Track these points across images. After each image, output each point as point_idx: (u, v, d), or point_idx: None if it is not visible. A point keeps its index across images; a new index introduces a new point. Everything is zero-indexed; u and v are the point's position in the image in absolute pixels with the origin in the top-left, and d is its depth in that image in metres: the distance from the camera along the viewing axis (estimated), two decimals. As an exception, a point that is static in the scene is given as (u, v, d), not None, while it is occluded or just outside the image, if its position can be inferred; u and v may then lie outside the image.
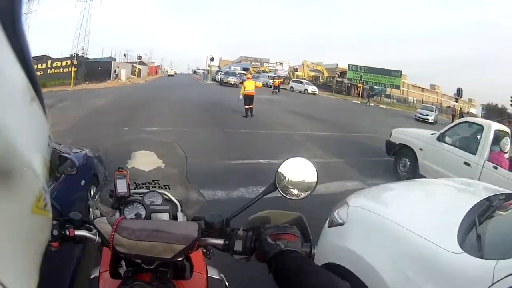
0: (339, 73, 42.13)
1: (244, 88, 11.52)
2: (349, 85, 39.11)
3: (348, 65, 38.51)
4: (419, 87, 50.06)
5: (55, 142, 2.83)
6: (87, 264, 2.24)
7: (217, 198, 4.04)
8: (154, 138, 1.35)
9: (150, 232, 0.80)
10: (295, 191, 0.92)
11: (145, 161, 1.16)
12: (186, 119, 10.10)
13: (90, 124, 8.51)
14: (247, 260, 0.86)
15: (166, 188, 1.17)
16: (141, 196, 1.09)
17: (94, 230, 0.85)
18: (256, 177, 4.80)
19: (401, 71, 37.81)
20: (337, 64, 45.05)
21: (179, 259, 0.91)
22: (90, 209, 3.04)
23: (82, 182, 2.83)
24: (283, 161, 0.92)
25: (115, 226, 0.80)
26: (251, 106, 11.47)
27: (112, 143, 1.27)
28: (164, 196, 1.11)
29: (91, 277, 1.03)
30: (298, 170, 0.93)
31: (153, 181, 1.17)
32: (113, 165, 1.06)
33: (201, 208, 1.13)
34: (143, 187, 1.17)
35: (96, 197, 1.22)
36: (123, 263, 1.00)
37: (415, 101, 40.93)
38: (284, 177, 0.92)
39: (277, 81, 27.24)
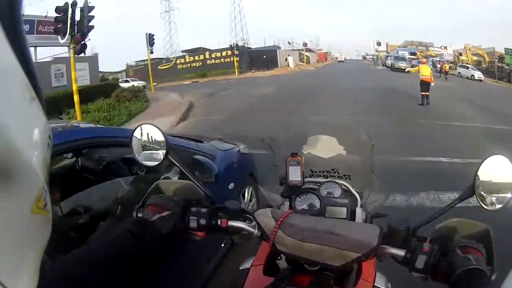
0: (498, 58, 35.48)
1: (419, 71, 11.31)
2: (508, 71, 32.54)
3: (505, 49, 32.64)
4: None
5: (190, 138, 2.47)
6: (235, 254, 2.13)
7: (395, 205, 3.38)
8: (334, 121, 1.23)
9: (320, 233, 0.71)
10: (494, 199, 0.74)
11: (323, 147, 1.05)
12: (360, 107, 9.80)
13: (255, 113, 8.47)
14: (424, 280, 0.70)
15: (346, 178, 1.04)
16: (317, 185, 0.99)
17: (253, 223, 0.79)
18: (437, 179, 4.09)
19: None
20: (494, 48, 38.33)
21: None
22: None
23: (231, 185, 2.31)
24: (483, 161, 0.75)
25: (279, 222, 0.74)
26: (427, 93, 10.80)
27: (285, 125, 1.14)
28: (343, 187, 0.99)
29: (241, 268, 0.96)
30: (498, 173, 0.74)
31: (332, 169, 1.05)
32: (285, 150, 0.97)
33: (381, 204, 1.00)
34: (320, 176, 1.06)
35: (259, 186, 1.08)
36: (283, 256, 0.91)
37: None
38: (483, 181, 0.74)
39: (447, 66, 25.64)
